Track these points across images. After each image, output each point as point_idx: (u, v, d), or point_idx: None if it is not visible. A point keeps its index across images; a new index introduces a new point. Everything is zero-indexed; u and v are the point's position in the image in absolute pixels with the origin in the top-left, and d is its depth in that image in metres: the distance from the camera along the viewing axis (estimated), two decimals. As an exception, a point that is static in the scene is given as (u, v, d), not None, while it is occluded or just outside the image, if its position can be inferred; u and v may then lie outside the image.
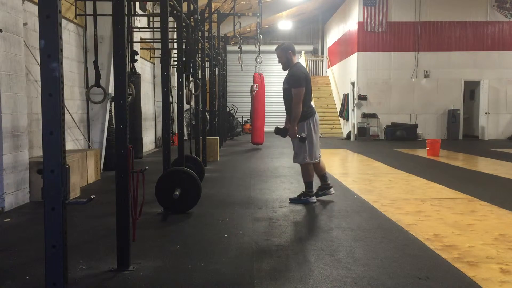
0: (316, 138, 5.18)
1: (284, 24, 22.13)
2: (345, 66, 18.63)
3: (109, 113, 7.94)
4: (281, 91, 5.22)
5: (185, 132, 12.82)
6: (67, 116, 6.84)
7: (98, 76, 5.14)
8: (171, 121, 6.25)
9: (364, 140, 15.63)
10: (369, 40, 16.40)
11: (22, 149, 5.10)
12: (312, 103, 5.75)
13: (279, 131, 5.22)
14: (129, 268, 3.02)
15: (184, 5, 6.29)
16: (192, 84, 7.07)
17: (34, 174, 5.21)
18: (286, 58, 5.16)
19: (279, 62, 5.24)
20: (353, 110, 16.83)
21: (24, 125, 5.18)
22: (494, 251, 3.39)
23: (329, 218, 4.50)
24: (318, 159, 5.26)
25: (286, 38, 23.27)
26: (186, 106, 7.19)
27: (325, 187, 5.37)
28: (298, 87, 4.98)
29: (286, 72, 5.23)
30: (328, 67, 22.42)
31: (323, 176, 5.37)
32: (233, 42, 13.04)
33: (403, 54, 16.40)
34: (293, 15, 21.74)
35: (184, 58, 5.74)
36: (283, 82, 5.18)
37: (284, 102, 5.18)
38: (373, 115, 16.29)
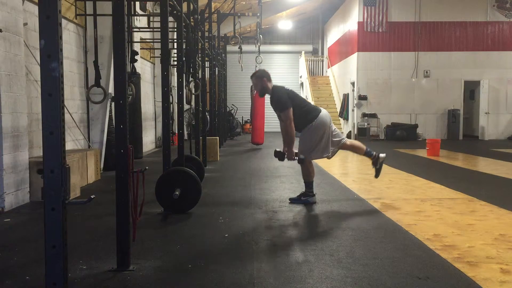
0: (324, 138, 5.07)
1: (284, 24, 22.13)
2: (345, 66, 18.62)
3: (109, 113, 7.94)
4: None
5: (185, 132, 12.82)
6: (67, 116, 6.84)
7: (98, 76, 5.14)
8: (171, 121, 6.25)
9: (364, 140, 15.61)
10: (369, 40, 16.40)
11: (22, 149, 5.10)
12: (313, 103, 5.75)
13: (277, 154, 5.16)
14: (129, 268, 3.02)
15: (184, 5, 6.29)
16: (192, 84, 7.07)
17: (34, 174, 5.21)
18: (261, 86, 5.17)
19: (254, 89, 5.29)
20: (353, 110, 16.83)
21: (24, 125, 5.18)
22: (494, 251, 3.39)
23: (329, 218, 4.50)
24: (329, 154, 5.18)
25: (286, 38, 23.33)
26: (186, 106, 7.19)
27: (375, 161, 5.35)
28: (285, 110, 4.95)
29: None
30: (328, 67, 22.41)
31: (366, 152, 5.33)
32: (233, 42, 13.05)
33: (403, 54, 16.40)
34: (293, 15, 21.74)
35: (184, 58, 5.74)
36: (273, 108, 5.17)
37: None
38: (373, 115, 16.29)
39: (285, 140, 5.11)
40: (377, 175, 5.46)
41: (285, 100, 4.99)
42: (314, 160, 5.27)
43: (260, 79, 5.16)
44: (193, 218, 4.51)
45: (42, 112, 2.16)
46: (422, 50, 16.37)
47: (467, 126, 16.93)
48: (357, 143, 5.49)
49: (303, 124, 5.06)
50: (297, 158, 5.03)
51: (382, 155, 5.36)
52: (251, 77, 5.27)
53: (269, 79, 5.20)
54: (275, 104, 5.08)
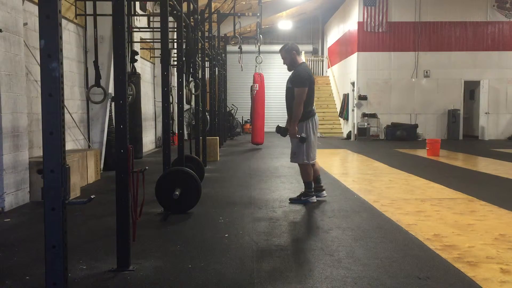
0: (315, 139, 5.18)
1: (284, 24, 22.12)
2: (345, 66, 18.62)
3: (109, 113, 7.94)
4: (281, 91, 5.22)
5: (185, 132, 12.82)
6: (67, 116, 6.84)
7: (98, 76, 5.14)
8: (171, 121, 6.25)
9: (364, 140, 15.62)
10: (369, 40, 16.40)
11: (22, 149, 5.10)
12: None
13: (279, 130, 5.24)
14: (129, 268, 3.03)
15: (184, 5, 6.29)
16: (192, 84, 7.07)
17: (34, 174, 5.21)
18: (290, 59, 5.13)
19: (284, 63, 5.20)
20: (353, 110, 16.83)
21: (24, 125, 5.18)
22: (494, 251, 3.39)
23: (329, 218, 4.50)
24: (315, 160, 5.26)
25: (286, 38, 23.29)
26: (186, 106, 7.19)
27: (318, 189, 5.36)
28: (301, 87, 4.97)
29: (285, 75, 5.25)
30: (328, 67, 22.41)
31: (317, 178, 5.36)
32: (233, 42, 13.04)
33: (403, 54, 16.40)
34: (293, 15, 21.74)
35: (184, 58, 5.74)
36: (287, 81, 5.17)
37: (286, 101, 5.18)
38: (373, 115, 16.28)
39: (290, 117, 5.13)
40: (291, 202, 5.22)
41: (304, 79, 4.99)
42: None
43: (290, 52, 5.12)
44: (193, 218, 4.51)
45: (42, 112, 2.16)
46: (422, 50, 16.36)
47: (467, 126, 16.93)
48: (319, 168, 5.44)
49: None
50: (299, 136, 5.06)
51: (314, 199, 5.17)
52: (280, 50, 5.19)
53: (299, 53, 5.17)
54: (293, 77, 5.05)
